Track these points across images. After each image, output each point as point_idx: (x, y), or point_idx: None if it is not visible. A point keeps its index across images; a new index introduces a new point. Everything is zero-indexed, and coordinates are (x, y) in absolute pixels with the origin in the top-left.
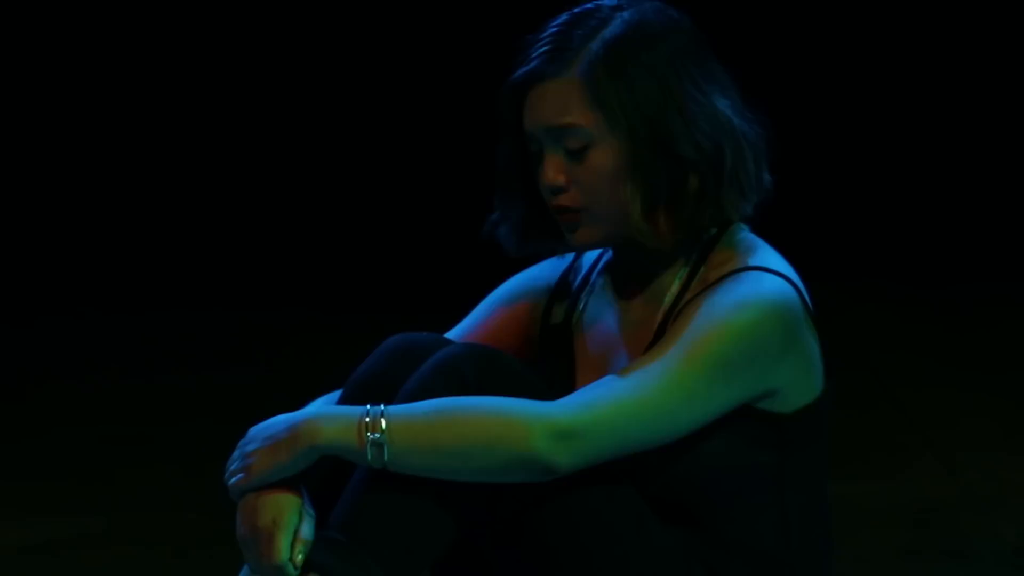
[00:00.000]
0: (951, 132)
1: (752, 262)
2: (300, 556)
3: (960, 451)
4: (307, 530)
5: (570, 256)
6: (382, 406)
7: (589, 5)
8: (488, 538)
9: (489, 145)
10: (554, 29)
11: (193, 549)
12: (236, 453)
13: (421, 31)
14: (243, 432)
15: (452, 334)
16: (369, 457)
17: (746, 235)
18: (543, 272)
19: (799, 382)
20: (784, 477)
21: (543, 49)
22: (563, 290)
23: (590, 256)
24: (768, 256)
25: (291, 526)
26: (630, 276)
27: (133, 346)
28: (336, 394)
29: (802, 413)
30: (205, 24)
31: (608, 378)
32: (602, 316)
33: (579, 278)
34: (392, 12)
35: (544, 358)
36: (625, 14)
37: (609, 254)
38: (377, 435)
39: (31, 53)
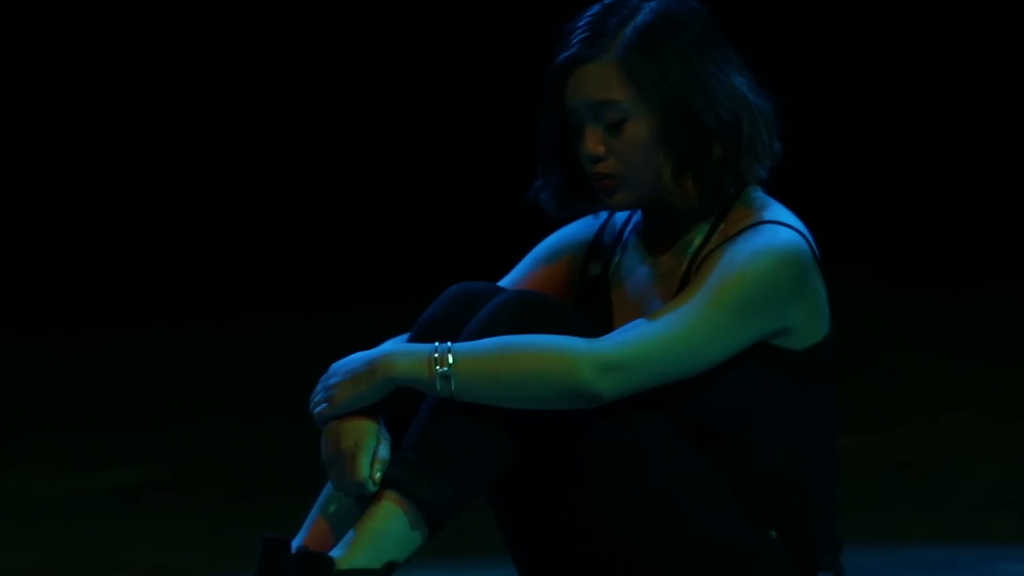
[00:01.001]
0: (927, 122)
1: (767, 216)
2: (378, 474)
3: (944, 409)
4: (384, 451)
5: (603, 215)
6: (448, 343)
7: None
8: (540, 458)
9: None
10: (590, 18)
11: (249, 495)
12: (319, 386)
13: (444, 15)
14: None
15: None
16: (438, 387)
17: (760, 194)
18: (579, 229)
19: (809, 322)
20: (798, 407)
21: (582, 36)
22: (599, 246)
23: (621, 216)
24: (780, 212)
25: (370, 448)
26: (659, 233)
27: (180, 319)
28: (405, 336)
29: (812, 350)
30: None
31: (644, 319)
32: (635, 269)
33: (613, 236)
34: None
35: (584, 306)
36: (653, 4)
37: (639, 214)
38: (445, 368)
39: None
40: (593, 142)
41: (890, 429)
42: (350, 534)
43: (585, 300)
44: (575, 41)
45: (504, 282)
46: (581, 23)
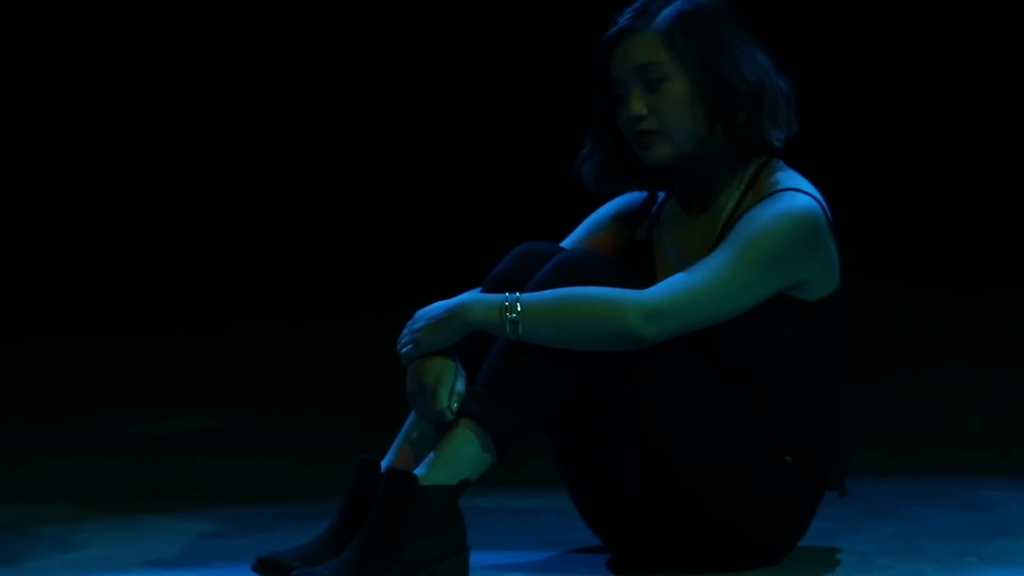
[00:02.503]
0: (922, 98)
1: (787, 184)
2: (455, 404)
3: (935, 361)
4: (460, 385)
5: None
6: (517, 294)
7: None
8: (593, 394)
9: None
10: (638, 3)
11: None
12: (406, 330)
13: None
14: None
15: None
16: (507, 331)
17: (782, 166)
18: (627, 201)
19: (821, 277)
20: (811, 351)
21: (630, 14)
22: (644, 216)
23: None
24: (799, 180)
25: (449, 383)
26: (695, 202)
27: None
28: (478, 288)
29: (824, 302)
30: None
31: (682, 273)
32: (675, 234)
33: (655, 207)
34: None
35: (631, 266)
36: None
37: (678, 187)
38: (513, 315)
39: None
40: (636, 103)
41: (883, 379)
42: (430, 456)
43: (632, 260)
44: (623, 19)
45: (563, 245)
46: (629, 8)
